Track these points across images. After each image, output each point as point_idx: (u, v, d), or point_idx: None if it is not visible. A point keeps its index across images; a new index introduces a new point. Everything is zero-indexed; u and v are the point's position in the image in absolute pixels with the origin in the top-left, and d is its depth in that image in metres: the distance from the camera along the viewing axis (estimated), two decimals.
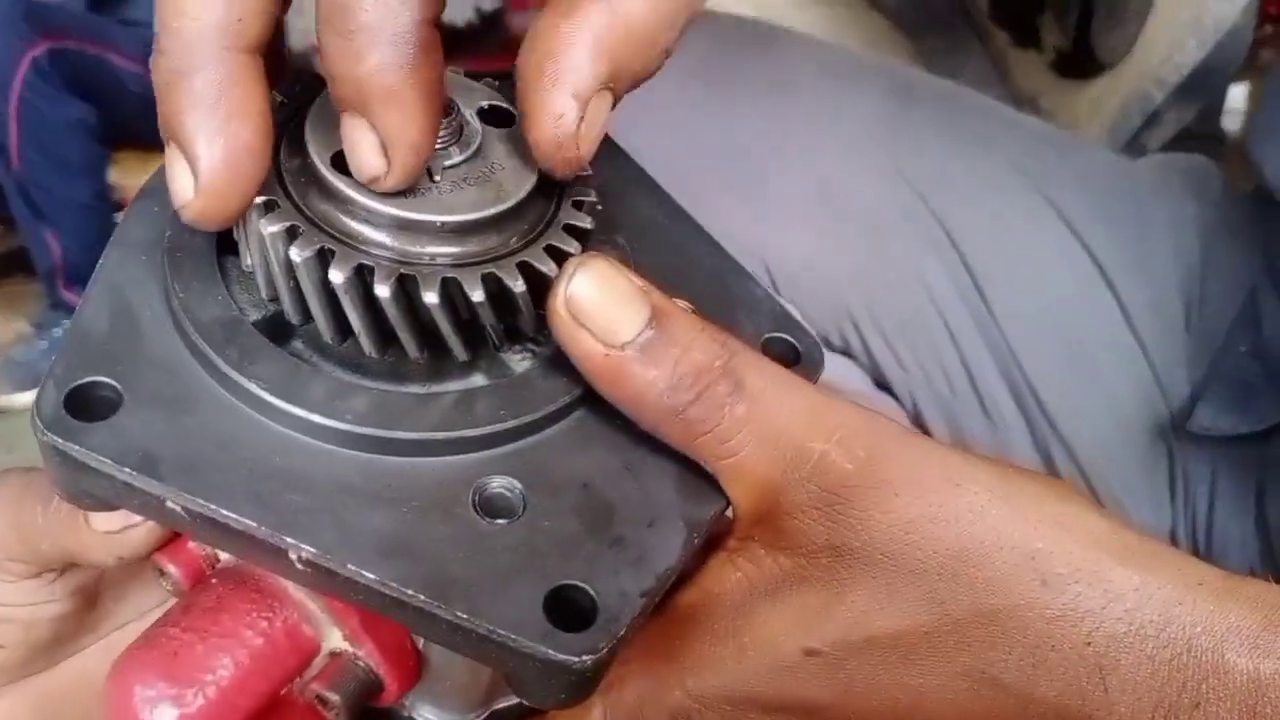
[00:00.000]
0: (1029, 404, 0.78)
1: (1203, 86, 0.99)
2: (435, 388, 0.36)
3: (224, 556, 0.37)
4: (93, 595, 0.43)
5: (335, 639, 0.36)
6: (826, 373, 0.41)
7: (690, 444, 0.33)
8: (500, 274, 0.33)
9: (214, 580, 0.36)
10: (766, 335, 0.41)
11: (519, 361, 0.37)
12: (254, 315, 0.35)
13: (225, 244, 0.36)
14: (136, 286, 0.35)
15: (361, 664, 0.36)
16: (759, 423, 0.32)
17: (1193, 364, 0.78)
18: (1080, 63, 1.13)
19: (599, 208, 0.37)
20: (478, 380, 0.36)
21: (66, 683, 0.43)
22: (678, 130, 0.79)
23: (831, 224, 0.78)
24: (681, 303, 0.41)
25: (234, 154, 0.31)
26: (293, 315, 0.35)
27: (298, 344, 0.36)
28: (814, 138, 0.79)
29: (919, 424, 0.82)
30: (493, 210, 0.33)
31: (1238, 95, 1.41)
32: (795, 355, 0.41)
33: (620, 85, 0.33)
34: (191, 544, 0.37)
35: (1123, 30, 1.08)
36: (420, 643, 0.38)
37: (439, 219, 0.33)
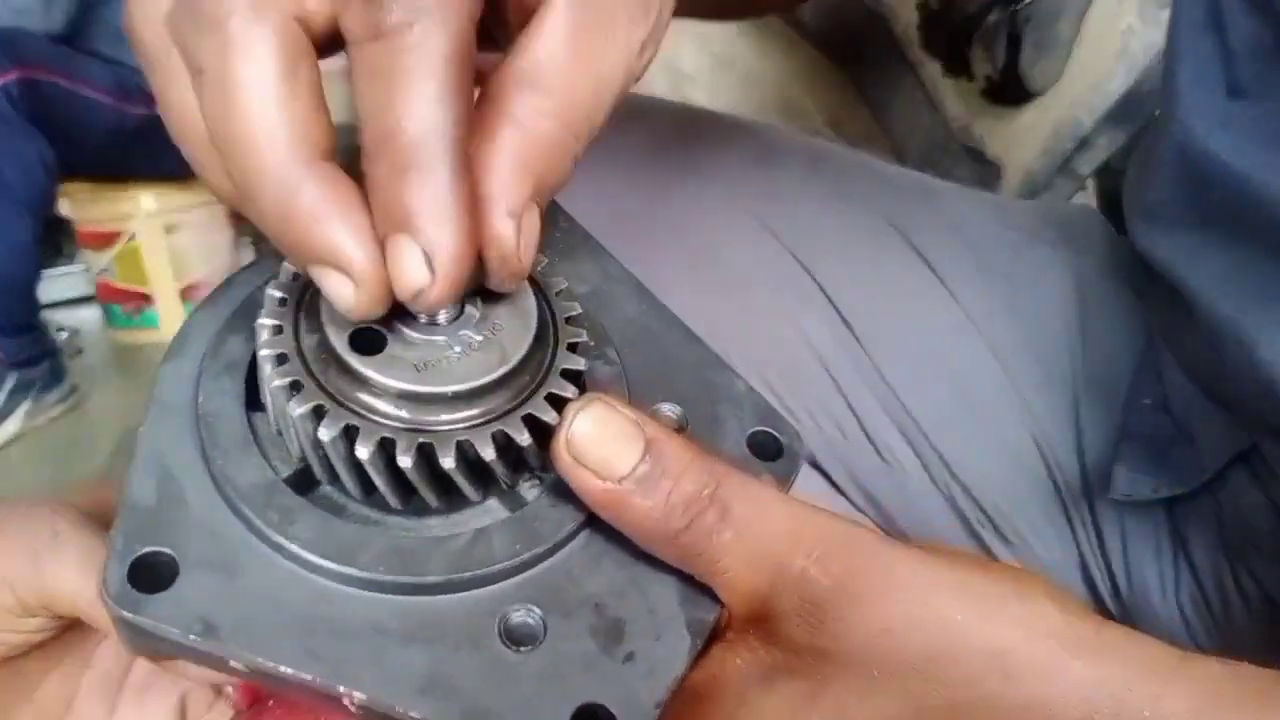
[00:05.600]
0: (923, 448, 0.78)
1: (1134, 111, 1.03)
2: (454, 524, 0.39)
3: None
4: (69, 625, 0.46)
5: None
6: None
7: (685, 563, 0.37)
8: (508, 430, 0.36)
9: (270, 702, 0.40)
10: (750, 430, 0.44)
11: (528, 489, 0.40)
12: (285, 471, 0.38)
13: (253, 400, 0.39)
14: (176, 451, 0.38)
15: None
16: (744, 546, 0.36)
17: (1080, 415, 0.77)
18: (1011, 91, 1.17)
19: (591, 345, 0.41)
20: (492, 508, 0.40)
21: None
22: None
23: (708, 282, 0.78)
24: (671, 409, 0.44)
25: (374, 263, 0.33)
26: (322, 478, 0.38)
27: (326, 488, 0.39)
28: (683, 202, 0.79)
29: (818, 470, 0.82)
30: (497, 374, 0.36)
31: None
32: (778, 448, 0.44)
33: (543, 198, 0.36)
34: None
35: (1051, 60, 1.12)
36: None
37: (449, 389, 0.36)
